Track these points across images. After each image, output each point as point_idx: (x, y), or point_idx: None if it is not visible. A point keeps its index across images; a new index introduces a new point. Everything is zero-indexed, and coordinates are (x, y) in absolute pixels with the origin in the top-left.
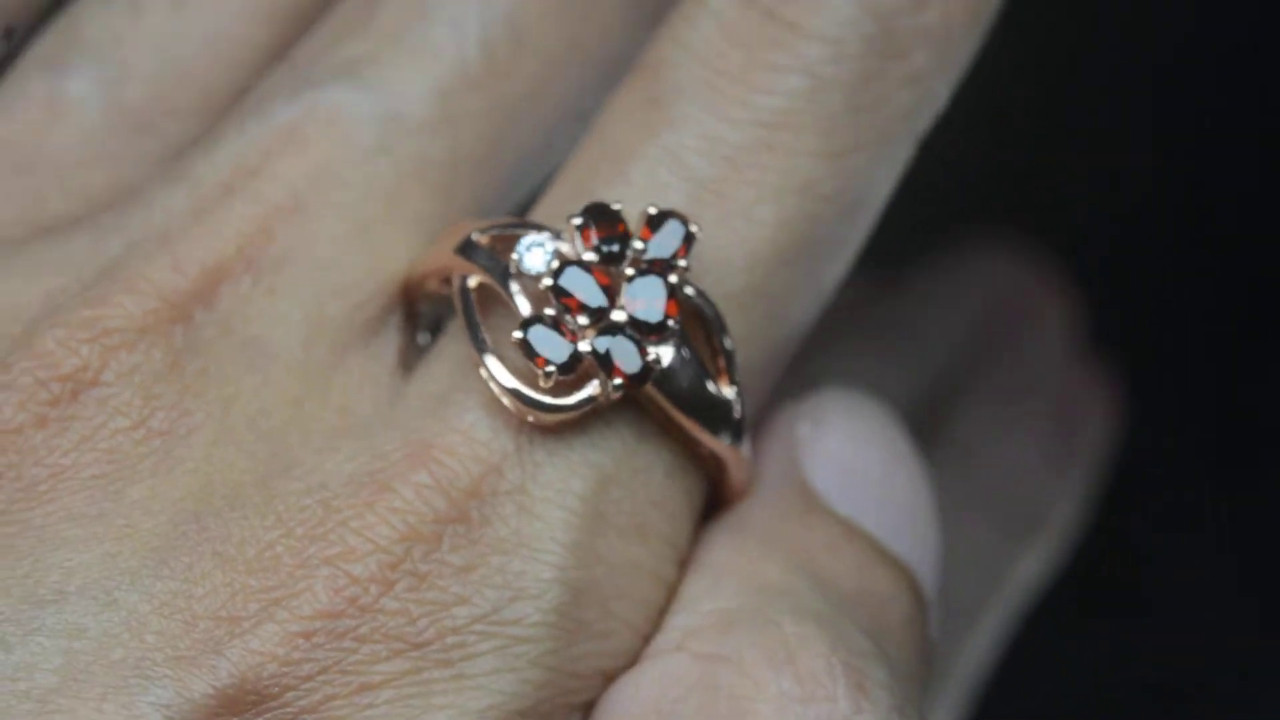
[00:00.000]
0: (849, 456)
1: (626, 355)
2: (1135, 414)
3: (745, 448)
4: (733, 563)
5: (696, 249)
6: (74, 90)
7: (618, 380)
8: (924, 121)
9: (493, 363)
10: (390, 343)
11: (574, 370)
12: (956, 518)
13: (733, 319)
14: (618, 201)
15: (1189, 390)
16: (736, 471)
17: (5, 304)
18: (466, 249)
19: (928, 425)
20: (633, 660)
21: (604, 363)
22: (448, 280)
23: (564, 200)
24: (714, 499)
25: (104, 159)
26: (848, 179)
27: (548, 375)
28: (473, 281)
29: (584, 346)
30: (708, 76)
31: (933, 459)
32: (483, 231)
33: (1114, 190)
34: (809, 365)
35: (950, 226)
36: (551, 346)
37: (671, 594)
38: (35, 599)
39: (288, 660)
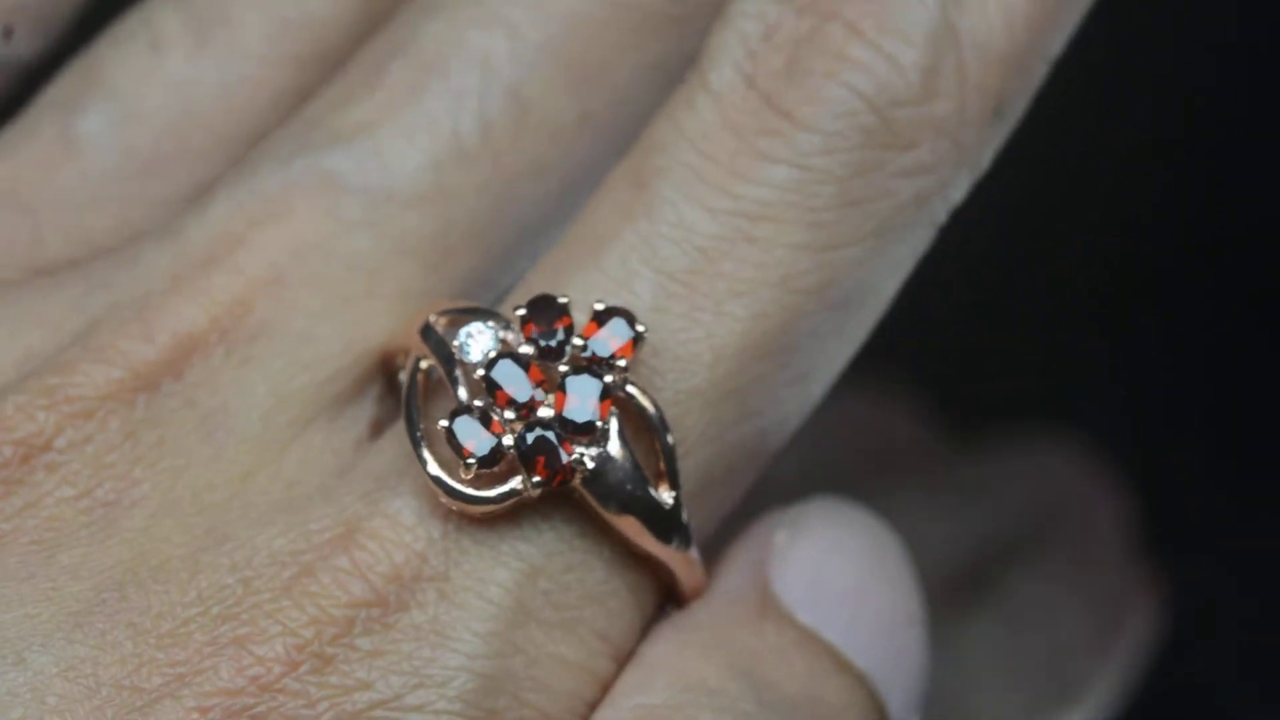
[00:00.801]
0: (821, 566)
1: (550, 454)
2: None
3: (692, 552)
4: (668, 660)
5: (660, 342)
6: (84, 130)
7: (537, 478)
8: (937, 212)
9: (424, 451)
10: (363, 414)
11: (496, 463)
12: (992, 677)
13: (695, 416)
14: (591, 289)
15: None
16: (683, 575)
17: None
18: (425, 331)
19: (971, 584)
20: None
21: (525, 459)
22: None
23: (539, 284)
24: (671, 600)
25: (109, 201)
26: (836, 272)
27: (468, 466)
28: (425, 364)
29: (507, 440)
30: (695, 161)
31: (987, 613)
32: (440, 314)
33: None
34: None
35: (1019, 419)
36: (475, 438)
37: (604, 686)
38: None
39: None
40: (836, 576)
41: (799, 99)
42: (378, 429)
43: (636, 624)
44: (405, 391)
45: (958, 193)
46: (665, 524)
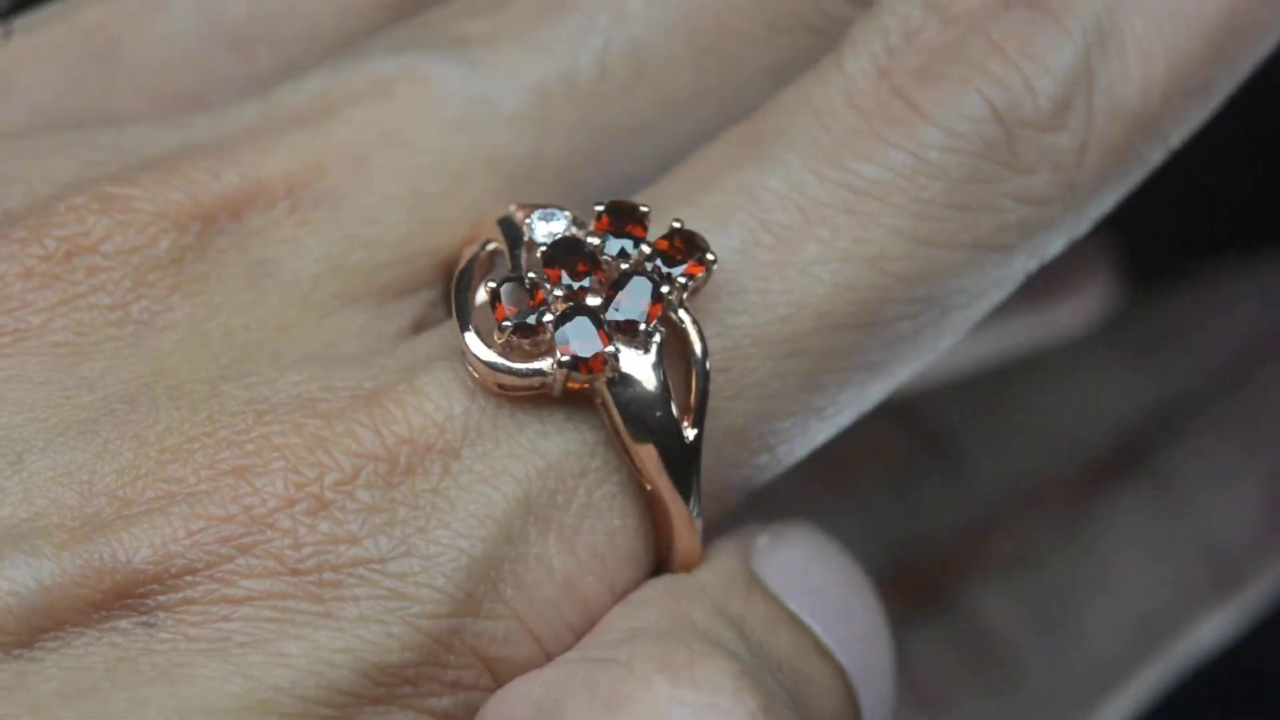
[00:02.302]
0: (804, 567)
1: (584, 338)
2: None
3: (695, 510)
4: (658, 600)
5: (739, 284)
6: None
7: (564, 357)
8: (1038, 246)
9: (463, 321)
10: (408, 310)
11: (530, 334)
12: (1156, 556)
13: (753, 363)
14: (684, 219)
15: None
16: (681, 530)
17: (43, 167)
18: (502, 220)
19: (1129, 450)
20: (517, 654)
21: (559, 336)
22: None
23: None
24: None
25: (188, 66)
26: (929, 268)
27: (501, 330)
28: (490, 247)
29: (546, 316)
30: (813, 130)
31: (1135, 490)
32: (519, 206)
33: None
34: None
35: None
36: (516, 303)
37: (588, 611)
38: None
39: (162, 554)
40: (818, 578)
41: (929, 96)
42: (419, 328)
43: (635, 553)
44: (461, 265)
45: (1055, 245)
46: (681, 460)
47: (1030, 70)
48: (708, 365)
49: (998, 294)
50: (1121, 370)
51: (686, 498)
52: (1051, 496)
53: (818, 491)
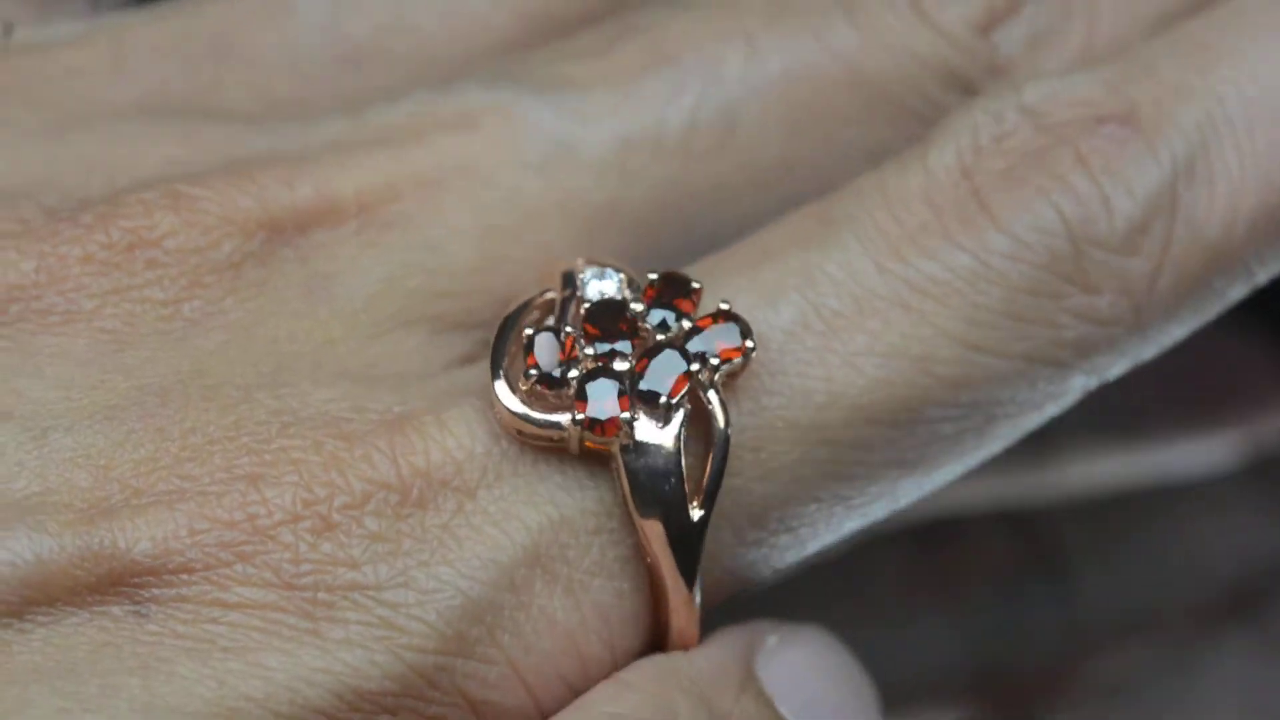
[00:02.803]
0: (808, 677)
1: (603, 400)
2: None
3: (695, 593)
4: (645, 685)
5: (780, 366)
6: (302, 8)
7: (579, 415)
8: (1091, 369)
9: (494, 368)
10: (461, 343)
11: (556, 385)
12: (1256, 705)
13: (783, 446)
14: (737, 293)
15: None
16: (678, 610)
17: (126, 156)
18: (566, 271)
19: (1251, 598)
20: (505, 702)
21: (578, 393)
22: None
23: (694, 274)
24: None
25: (298, 74)
26: (975, 374)
27: (527, 377)
28: (546, 296)
29: (571, 373)
30: (884, 220)
31: (1243, 637)
32: (586, 260)
33: None
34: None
35: None
36: (548, 354)
37: (585, 669)
38: None
39: (163, 549)
40: (817, 686)
41: (1005, 201)
42: (468, 363)
43: (639, 618)
44: (512, 307)
45: (1117, 366)
46: (682, 539)
47: (1111, 189)
48: (728, 447)
49: (1051, 408)
50: (1255, 514)
51: (686, 577)
52: (1157, 629)
53: (914, 589)
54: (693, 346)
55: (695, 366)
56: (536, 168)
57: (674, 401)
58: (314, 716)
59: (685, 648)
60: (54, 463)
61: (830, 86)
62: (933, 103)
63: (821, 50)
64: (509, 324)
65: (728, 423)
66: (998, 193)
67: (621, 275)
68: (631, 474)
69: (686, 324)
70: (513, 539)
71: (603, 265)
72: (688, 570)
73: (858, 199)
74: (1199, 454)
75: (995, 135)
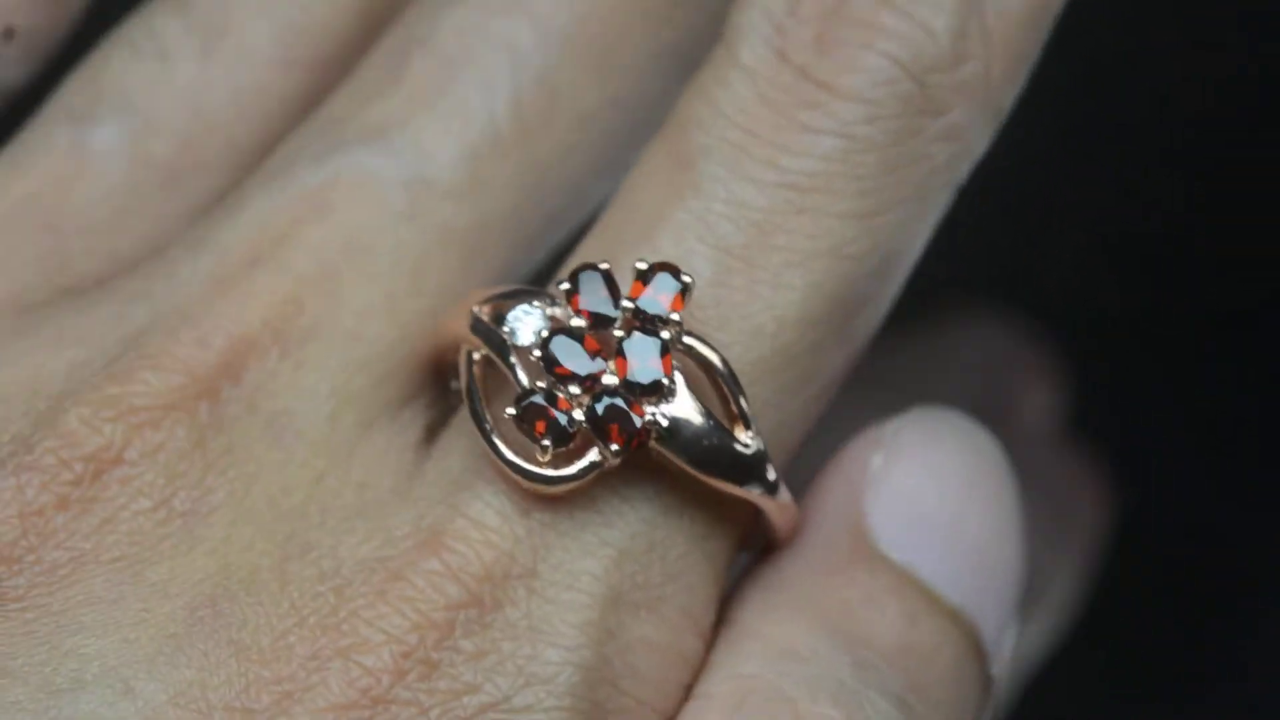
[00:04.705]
0: (920, 493)
1: (622, 419)
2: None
3: (783, 494)
4: (757, 624)
5: (723, 316)
6: (100, 143)
7: (615, 445)
8: (962, 172)
9: (496, 441)
10: (417, 417)
11: (569, 440)
12: None
13: (763, 384)
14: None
15: None
16: (778, 520)
17: (29, 377)
18: (473, 322)
19: None
20: None
21: (598, 428)
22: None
23: (593, 259)
24: (764, 548)
25: (130, 215)
26: (880, 237)
27: (544, 449)
28: (478, 355)
29: (577, 415)
30: (737, 137)
31: None
32: (482, 303)
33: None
34: None
35: (942, 295)
36: (545, 418)
37: (692, 667)
38: (52, 688)
39: None
40: (934, 503)
41: (836, 69)
42: (432, 433)
43: (714, 596)
44: (465, 386)
45: (980, 151)
46: (749, 467)
47: (923, 14)
48: (734, 375)
49: (937, 221)
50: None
51: (775, 492)
52: None
53: None
54: (644, 314)
55: (666, 335)
56: (406, 216)
57: (670, 379)
58: None
59: (792, 537)
60: (156, 713)
61: (610, 15)
62: None
63: None
64: (475, 401)
65: (718, 350)
66: (823, 63)
67: (535, 303)
68: (684, 453)
69: (628, 304)
70: (589, 593)
71: (500, 299)
72: (772, 485)
73: (699, 126)
74: None
75: (786, 8)
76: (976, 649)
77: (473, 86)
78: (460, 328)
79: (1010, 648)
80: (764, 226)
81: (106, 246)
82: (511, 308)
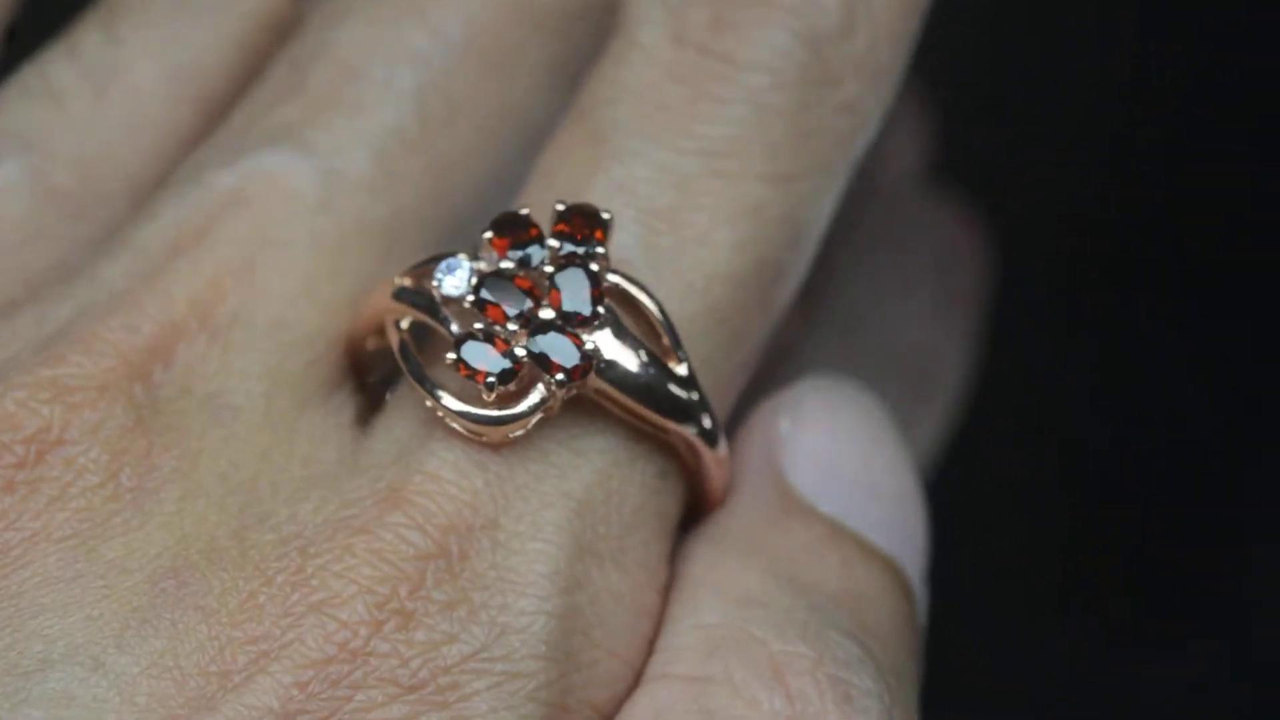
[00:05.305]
0: (831, 452)
1: (563, 350)
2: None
3: (722, 446)
4: (710, 576)
5: (657, 275)
6: (2, 178)
7: (559, 376)
8: (860, 148)
9: (439, 393)
10: (346, 401)
11: (514, 378)
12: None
13: (696, 342)
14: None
15: None
16: (714, 470)
17: None
18: (395, 293)
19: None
20: (619, 689)
21: (541, 362)
22: (383, 333)
23: None
24: (693, 507)
25: (40, 242)
26: (794, 203)
27: (489, 388)
28: (405, 323)
29: (519, 351)
30: (648, 111)
31: (820, 329)
32: (404, 274)
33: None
34: None
35: None
36: (486, 359)
37: (653, 621)
38: (19, 670)
39: (284, 713)
40: (846, 461)
41: (735, 44)
42: (362, 418)
43: (666, 553)
44: (397, 349)
45: (875, 127)
46: (687, 406)
47: None
48: (668, 317)
49: (840, 197)
50: None
51: (714, 443)
52: None
53: None
54: (569, 251)
55: (594, 267)
56: (320, 208)
57: (603, 308)
58: None
59: (724, 495)
60: (129, 684)
61: (503, 26)
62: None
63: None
64: (413, 364)
65: (645, 288)
66: (722, 39)
67: (459, 255)
68: (621, 385)
69: (554, 242)
70: (555, 542)
71: (421, 266)
72: (703, 426)
73: (609, 104)
74: None
75: None
76: (909, 597)
77: (374, 88)
78: (381, 303)
79: (925, 607)
80: (686, 189)
81: (18, 270)
82: (434, 268)
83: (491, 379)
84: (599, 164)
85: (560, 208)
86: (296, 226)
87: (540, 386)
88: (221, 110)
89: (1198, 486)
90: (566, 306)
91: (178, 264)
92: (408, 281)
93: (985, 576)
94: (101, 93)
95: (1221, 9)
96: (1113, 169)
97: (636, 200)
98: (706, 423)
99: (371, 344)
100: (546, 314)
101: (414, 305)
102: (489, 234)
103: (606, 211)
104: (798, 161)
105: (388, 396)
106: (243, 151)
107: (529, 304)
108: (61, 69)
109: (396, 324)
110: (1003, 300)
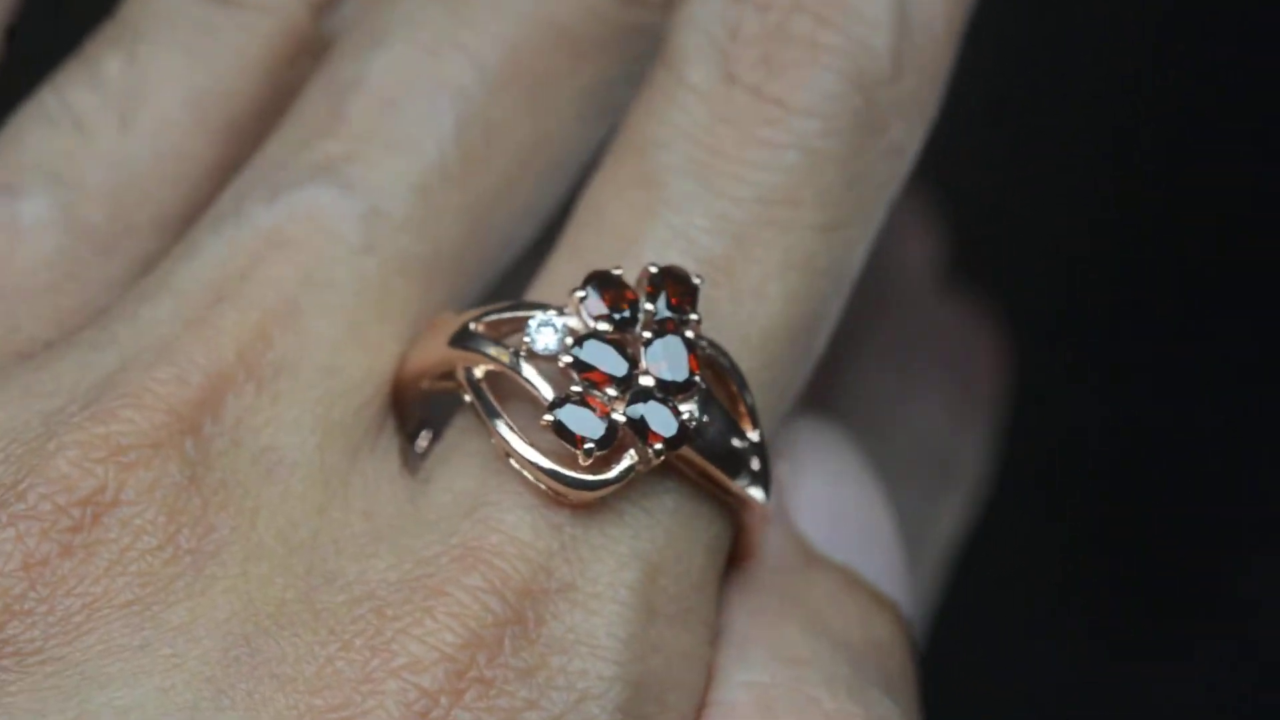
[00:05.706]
0: (830, 499)
1: (662, 420)
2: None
3: (771, 505)
4: (754, 631)
5: (717, 327)
6: (31, 214)
7: (657, 445)
8: (897, 191)
9: (526, 450)
10: (391, 443)
11: (612, 443)
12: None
13: (751, 399)
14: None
15: None
16: (760, 525)
17: (2, 429)
18: (465, 339)
19: (825, 386)
20: None
21: (639, 429)
22: (444, 376)
23: (571, 280)
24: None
25: (71, 281)
26: (841, 253)
27: (587, 453)
28: (479, 371)
29: (617, 417)
30: (703, 156)
31: (845, 422)
32: (478, 320)
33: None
34: None
35: None
36: (586, 423)
37: (708, 674)
38: None
39: None
40: (845, 510)
41: (787, 87)
42: (404, 457)
43: (719, 602)
44: (478, 400)
45: (909, 170)
46: (753, 472)
47: (862, 32)
48: (744, 378)
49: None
50: None
51: (769, 493)
52: None
53: None
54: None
55: (689, 334)
56: (363, 248)
57: (698, 379)
58: None
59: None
60: None
61: (538, 55)
62: (611, 23)
63: (520, 22)
64: (496, 417)
65: (726, 353)
66: (774, 82)
67: (549, 312)
68: (705, 452)
69: (649, 306)
70: (631, 605)
71: (498, 316)
72: (764, 485)
73: (659, 146)
74: None
75: (728, 33)
76: (913, 644)
77: (415, 122)
78: (443, 349)
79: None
80: (741, 239)
81: (51, 311)
82: (530, 318)
83: (590, 444)
84: (653, 209)
85: (654, 270)
86: (339, 269)
87: (632, 452)
88: (246, 135)
89: (1198, 488)
90: (666, 375)
91: (222, 309)
92: (482, 328)
93: (985, 579)
94: (127, 122)
95: (1221, 9)
96: (1114, 169)
97: (694, 249)
98: (769, 487)
99: (426, 385)
100: (646, 381)
101: (496, 358)
102: (582, 294)
103: (698, 277)
104: (845, 209)
105: (422, 436)
106: (282, 187)
107: (628, 368)
108: (84, 96)
109: (469, 371)
110: (1003, 300)
